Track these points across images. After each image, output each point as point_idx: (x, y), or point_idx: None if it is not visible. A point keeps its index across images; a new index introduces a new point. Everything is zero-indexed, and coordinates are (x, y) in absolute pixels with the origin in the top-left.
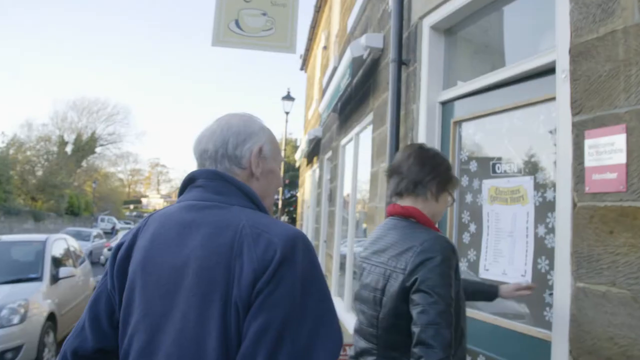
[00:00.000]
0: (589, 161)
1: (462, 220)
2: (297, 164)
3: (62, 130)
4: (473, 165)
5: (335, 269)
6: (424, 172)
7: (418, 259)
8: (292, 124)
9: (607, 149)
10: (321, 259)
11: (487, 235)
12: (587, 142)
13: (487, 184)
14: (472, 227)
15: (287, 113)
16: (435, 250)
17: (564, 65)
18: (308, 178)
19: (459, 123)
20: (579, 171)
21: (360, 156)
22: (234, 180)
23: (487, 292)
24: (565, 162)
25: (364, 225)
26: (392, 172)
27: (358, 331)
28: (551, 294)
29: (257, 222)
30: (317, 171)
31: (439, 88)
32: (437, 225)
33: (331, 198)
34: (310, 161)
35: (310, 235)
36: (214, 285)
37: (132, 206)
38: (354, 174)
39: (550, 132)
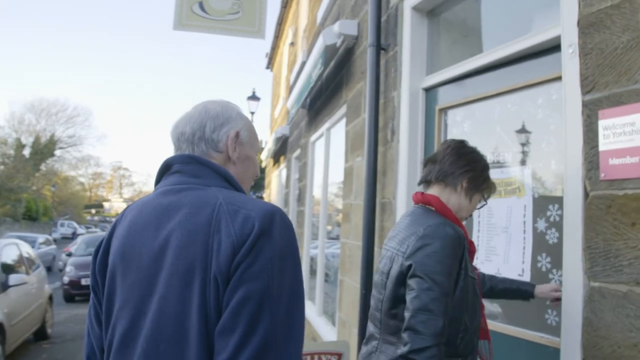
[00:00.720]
0: (605, 144)
1: None
2: (263, 164)
3: (19, 133)
4: None
5: (305, 271)
6: (458, 165)
7: (418, 243)
8: (257, 125)
9: (627, 130)
10: None
11: (478, 232)
12: (602, 123)
13: None
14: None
15: (252, 113)
16: (436, 236)
17: (571, 39)
18: (275, 178)
19: (444, 110)
20: (591, 156)
21: (332, 152)
22: (209, 162)
23: (521, 290)
24: (574, 146)
25: (337, 224)
26: (428, 161)
27: (370, 316)
28: (557, 318)
29: (234, 199)
30: (285, 171)
31: (422, 73)
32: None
33: (300, 198)
34: (277, 161)
35: None
36: (193, 262)
37: (93, 210)
38: (325, 171)
39: (551, 116)
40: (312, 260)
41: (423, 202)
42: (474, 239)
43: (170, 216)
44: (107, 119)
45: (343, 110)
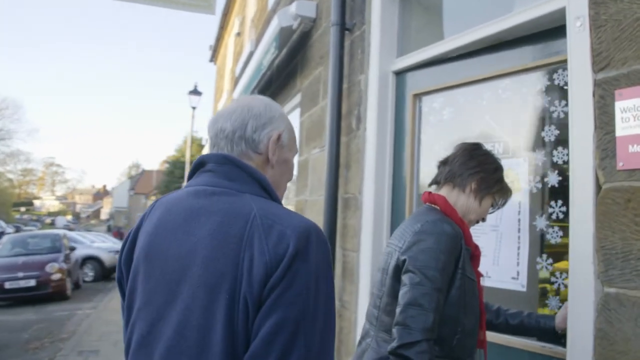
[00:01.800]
0: (623, 129)
1: None
2: None
3: None
4: (441, 146)
5: None
6: (468, 166)
7: (414, 238)
8: (199, 120)
9: None
10: None
11: None
12: (620, 105)
13: None
14: None
15: (193, 108)
16: (432, 232)
17: (578, 11)
18: None
19: (419, 96)
20: (605, 143)
21: None
22: (245, 165)
23: (541, 328)
24: (583, 133)
25: None
26: (441, 162)
27: (366, 314)
28: (558, 303)
29: (269, 212)
30: None
31: (393, 55)
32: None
33: None
34: None
35: None
36: (222, 277)
37: (23, 208)
38: None
39: (552, 102)
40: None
41: (429, 201)
42: None
43: (201, 222)
44: (40, 113)
45: (296, 99)
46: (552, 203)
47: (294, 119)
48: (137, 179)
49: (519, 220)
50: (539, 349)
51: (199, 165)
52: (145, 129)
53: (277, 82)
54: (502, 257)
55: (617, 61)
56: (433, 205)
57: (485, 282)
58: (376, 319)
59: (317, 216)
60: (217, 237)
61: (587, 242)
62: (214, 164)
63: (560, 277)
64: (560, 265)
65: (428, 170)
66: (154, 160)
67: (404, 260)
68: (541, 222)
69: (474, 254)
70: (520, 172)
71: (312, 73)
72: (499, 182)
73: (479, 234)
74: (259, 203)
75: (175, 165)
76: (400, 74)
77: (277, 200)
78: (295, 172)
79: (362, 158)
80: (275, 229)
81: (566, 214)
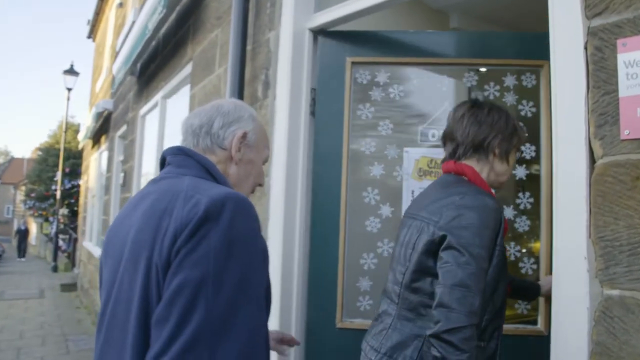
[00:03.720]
0: (629, 88)
1: (366, 200)
2: (80, 146)
3: None
4: (385, 128)
5: None
6: (483, 133)
7: (454, 212)
8: (76, 104)
9: None
10: None
11: None
12: (623, 58)
13: (415, 154)
14: (386, 210)
15: (69, 89)
16: (474, 206)
17: None
18: (94, 162)
19: (358, 65)
20: (603, 106)
21: (169, 126)
22: (194, 153)
23: (529, 288)
24: (573, 94)
25: None
26: (446, 138)
27: (385, 291)
28: (528, 306)
29: (198, 187)
30: (106, 153)
31: (310, 9)
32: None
33: (125, 182)
34: (97, 142)
35: (96, 230)
36: (143, 247)
37: None
38: (158, 149)
39: (521, 99)
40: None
41: (456, 171)
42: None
43: (142, 204)
44: None
45: (187, 70)
46: (520, 195)
47: (182, 95)
48: (5, 168)
49: None
50: (512, 330)
51: (162, 159)
52: (14, 113)
53: (163, 52)
54: None
55: (618, 3)
56: (461, 176)
57: None
58: (398, 296)
59: None
60: (146, 213)
61: (578, 232)
62: (170, 156)
63: (529, 262)
64: (529, 251)
65: (371, 153)
66: (25, 148)
67: (443, 236)
68: (509, 212)
69: (504, 228)
70: None
71: (206, 37)
72: (515, 133)
73: None
74: (193, 181)
75: (48, 153)
76: (330, 34)
77: (222, 184)
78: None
79: (270, 132)
80: (194, 198)
81: (533, 204)
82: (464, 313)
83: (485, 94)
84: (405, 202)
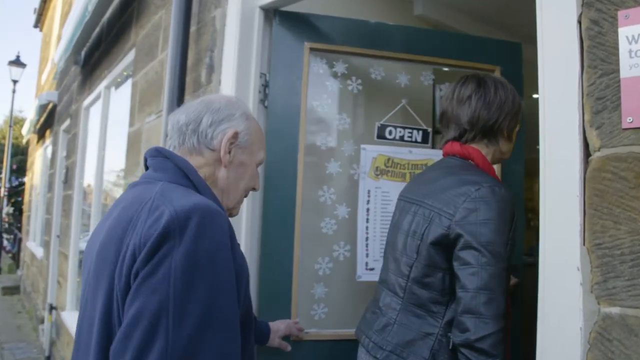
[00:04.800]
0: (632, 67)
1: (322, 200)
2: (24, 141)
3: None
4: (343, 122)
5: (73, 272)
6: (493, 117)
7: (470, 205)
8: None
9: None
10: (53, 259)
11: (366, 222)
12: (625, 32)
13: (373, 152)
14: (342, 210)
15: (15, 82)
16: (492, 199)
17: None
18: (39, 158)
19: (318, 52)
20: (602, 88)
21: (112, 118)
22: (172, 155)
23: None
24: (563, 76)
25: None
26: (449, 121)
27: (384, 282)
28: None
29: (166, 195)
30: (50, 147)
31: None
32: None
33: (67, 179)
34: (42, 137)
35: (40, 230)
36: (104, 264)
37: None
38: (100, 143)
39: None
40: (82, 253)
41: (462, 154)
42: (360, 231)
43: (112, 213)
44: None
45: (130, 57)
46: None
47: (125, 86)
48: None
49: None
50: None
51: (145, 161)
52: None
53: (107, 39)
54: None
55: None
56: (466, 160)
57: None
58: (404, 290)
59: None
60: (112, 225)
61: (570, 239)
62: (149, 158)
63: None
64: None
65: (326, 149)
66: None
67: (460, 234)
68: None
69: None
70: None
71: (150, 20)
72: (520, 109)
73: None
74: (165, 188)
75: None
76: (286, 16)
77: (200, 189)
78: (125, 146)
79: None
80: (159, 209)
81: None
82: (492, 317)
83: (440, 94)
84: (362, 203)
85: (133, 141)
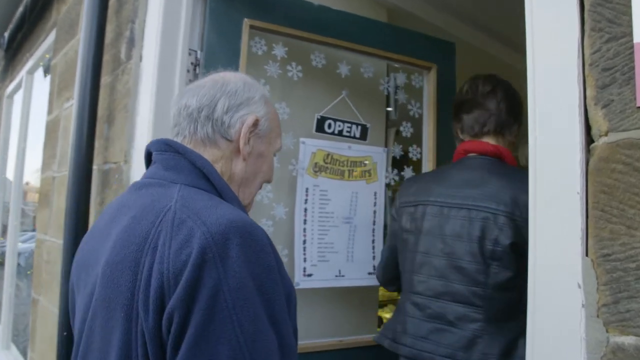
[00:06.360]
0: None
1: (258, 198)
2: None
3: None
4: (282, 112)
5: None
6: (512, 115)
7: None
8: None
9: None
10: None
11: (303, 224)
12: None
13: (312, 146)
14: (280, 210)
15: None
16: None
17: None
18: None
19: (255, 30)
20: (608, 57)
21: (35, 106)
22: (187, 151)
23: None
24: (561, 38)
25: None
26: (472, 106)
27: (445, 293)
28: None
29: (190, 204)
30: None
31: None
32: None
33: None
34: None
35: None
36: (119, 291)
37: None
38: (21, 134)
39: (411, 99)
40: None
41: (494, 152)
42: (297, 232)
43: (120, 220)
44: None
45: (51, 37)
46: None
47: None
48: None
49: (375, 212)
50: (337, 343)
51: (148, 156)
52: None
53: (30, 19)
54: (356, 253)
55: None
56: (496, 158)
57: (338, 283)
58: (482, 299)
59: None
60: (121, 239)
61: (568, 248)
62: (156, 153)
63: None
64: None
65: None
66: None
67: None
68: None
69: None
70: (380, 163)
71: None
72: (522, 110)
73: (328, 227)
74: (184, 193)
75: None
76: None
77: (223, 194)
78: (43, 136)
79: (134, 104)
80: (185, 226)
81: None
82: None
83: (380, 88)
84: (300, 202)
85: (50, 130)
